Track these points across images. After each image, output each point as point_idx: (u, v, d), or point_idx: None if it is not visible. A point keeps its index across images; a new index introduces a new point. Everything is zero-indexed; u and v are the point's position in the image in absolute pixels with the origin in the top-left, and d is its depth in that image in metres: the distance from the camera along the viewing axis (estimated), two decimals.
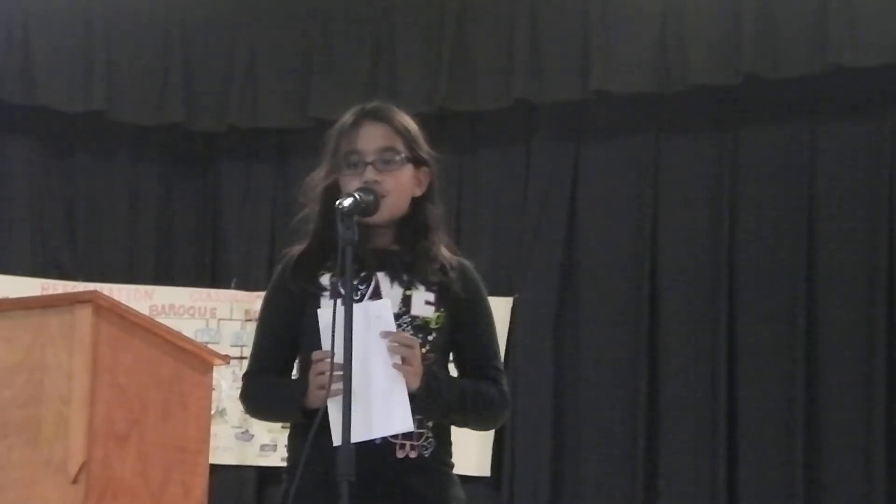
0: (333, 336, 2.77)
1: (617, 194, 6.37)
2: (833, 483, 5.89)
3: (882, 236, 5.91)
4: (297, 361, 3.08)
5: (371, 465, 2.78)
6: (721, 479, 5.97)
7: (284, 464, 3.06)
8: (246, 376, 3.12)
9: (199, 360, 3.90)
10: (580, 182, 6.45)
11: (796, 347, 5.96)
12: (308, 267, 3.02)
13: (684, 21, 6.11)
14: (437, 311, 2.99)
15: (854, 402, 5.87)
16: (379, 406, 2.84)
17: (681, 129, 6.32)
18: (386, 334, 2.87)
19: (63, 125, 6.77)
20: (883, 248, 5.90)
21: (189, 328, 6.12)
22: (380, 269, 2.99)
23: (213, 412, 4.34)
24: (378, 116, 3.04)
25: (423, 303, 2.99)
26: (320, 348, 2.88)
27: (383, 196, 2.94)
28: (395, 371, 2.86)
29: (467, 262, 3.11)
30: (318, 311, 2.92)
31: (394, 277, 2.99)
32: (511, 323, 6.34)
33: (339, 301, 2.78)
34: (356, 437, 2.72)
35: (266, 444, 6.37)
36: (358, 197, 2.86)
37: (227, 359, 4.05)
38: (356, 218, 2.82)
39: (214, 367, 3.97)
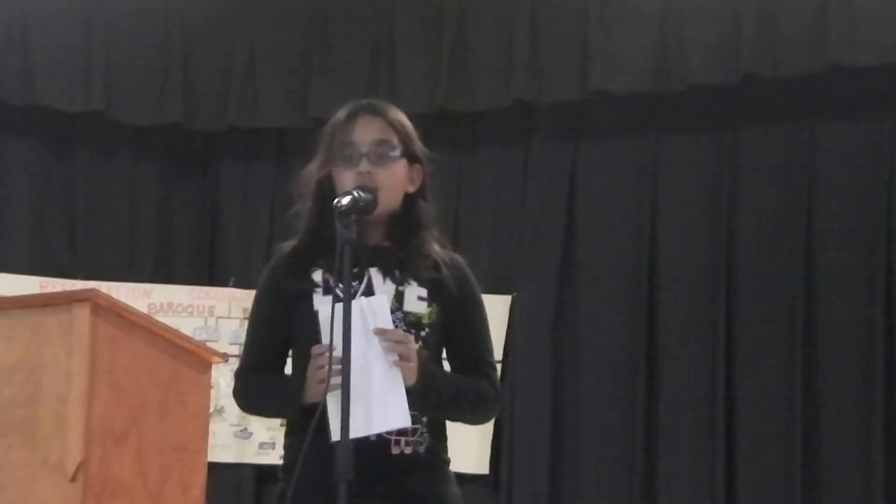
0: (332, 332, 2.77)
1: (616, 194, 6.37)
2: (832, 483, 5.89)
3: (881, 236, 5.91)
4: (290, 358, 3.08)
5: (366, 462, 2.77)
6: (720, 479, 5.97)
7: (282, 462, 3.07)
8: (239, 372, 3.12)
9: (197, 358, 3.90)
10: (579, 182, 6.44)
11: (795, 347, 5.95)
12: (300, 263, 3.02)
13: (684, 21, 6.11)
14: (429, 306, 3.00)
15: (853, 402, 5.87)
16: (377, 402, 2.84)
17: (680, 129, 6.32)
18: (380, 332, 2.87)
19: (62, 125, 6.77)
20: (882, 247, 5.89)
21: (187, 326, 6.11)
22: (372, 265, 2.99)
23: (211, 410, 4.34)
24: (374, 110, 3.06)
25: (415, 299, 2.99)
26: (315, 343, 2.88)
27: (377, 188, 2.94)
28: (392, 367, 2.86)
29: (459, 257, 3.12)
30: (320, 307, 2.92)
31: (386, 273, 3.00)
32: (510, 321, 6.34)
33: (336, 297, 2.79)
34: (354, 434, 2.72)
35: (265, 443, 6.36)
36: (357, 195, 2.86)
37: (225, 357, 4.05)
38: (354, 217, 2.82)
39: (213, 366, 3.97)
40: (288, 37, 6.77)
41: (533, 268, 6.43)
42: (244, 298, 6.42)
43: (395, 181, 3.01)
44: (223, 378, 6.01)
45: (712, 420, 6.02)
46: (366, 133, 3.02)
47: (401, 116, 3.08)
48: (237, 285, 6.53)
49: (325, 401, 2.80)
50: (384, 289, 2.98)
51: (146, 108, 6.72)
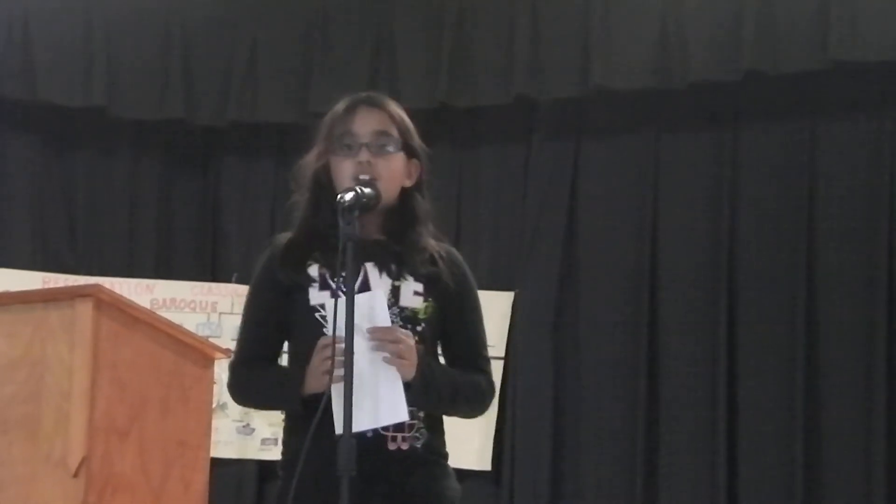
0: (335, 326, 2.77)
1: (617, 191, 6.37)
2: (833, 483, 5.88)
3: (882, 235, 5.90)
4: (286, 352, 3.08)
5: (363, 458, 2.75)
6: (721, 479, 5.96)
7: None
8: (233, 365, 3.11)
9: (199, 354, 3.90)
10: (580, 179, 6.44)
11: (796, 347, 5.95)
12: (296, 257, 3.02)
13: (685, 18, 6.10)
14: (425, 301, 3.00)
15: (854, 402, 5.86)
16: (376, 397, 2.84)
17: (681, 126, 6.31)
18: (373, 330, 2.86)
19: (64, 121, 6.77)
20: (883, 247, 5.89)
21: (190, 322, 6.10)
22: (368, 260, 2.98)
23: (213, 406, 4.33)
24: (374, 103, 3.07)
25: (411, 293, 2.99)
26: (312, 337, 2.88)
27: (375, 179, 2.94)
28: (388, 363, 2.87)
29: (454, 250, 3.13)
30: (324, 301, 2.92)
31: (382, 268, 3.00)
32: (512, 318, 6.34)
33: (334, 292, 2.79)
34: (357, 427, 2.72)
35: (267, 438, 6.36)
36: (360, 191, 2.86)
37: (228, 353, 4.02)
38: (356, 213, 2.81)
39: (215, 361, 3.97)
40: (289, 33, 6.76)
41: (533, 266, 6.42)
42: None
43: (393, 173, 3.01)
44: (226, 374, 6.01)
45: (713, 420, 6.01)
46: (366, 124, 3.02)
47: (400, 110, 3.09)
48: (240, 281, 6.52)
49: (329, 394, 2.79)
50: (380, 283, 2.98)
51: (147, 104, 6.71)
